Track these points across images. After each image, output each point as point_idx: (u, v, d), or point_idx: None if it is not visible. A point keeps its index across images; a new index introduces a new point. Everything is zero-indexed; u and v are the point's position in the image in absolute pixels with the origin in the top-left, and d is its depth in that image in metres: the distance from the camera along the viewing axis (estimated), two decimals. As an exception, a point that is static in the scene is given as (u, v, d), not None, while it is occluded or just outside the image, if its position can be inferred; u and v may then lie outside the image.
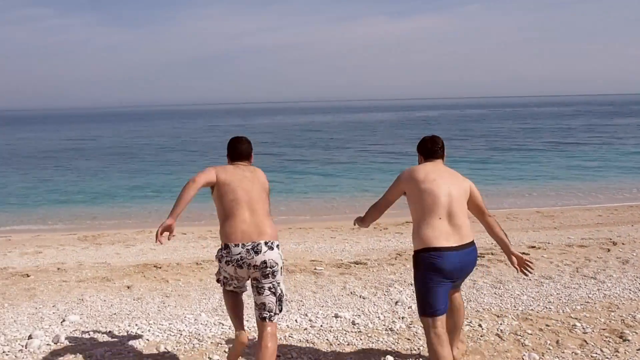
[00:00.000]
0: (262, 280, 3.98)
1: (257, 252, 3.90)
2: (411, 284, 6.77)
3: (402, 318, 5.83)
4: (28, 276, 7.85)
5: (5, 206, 17.81)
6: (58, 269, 8.40)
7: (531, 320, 5.65)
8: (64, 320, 5.90)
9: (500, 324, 5.53)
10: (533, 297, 6.44)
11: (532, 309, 6.03)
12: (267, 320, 4.01)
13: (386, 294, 6.70)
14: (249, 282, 4.22)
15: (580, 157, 27.33)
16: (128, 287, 7.24)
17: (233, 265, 3.96)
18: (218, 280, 4.37)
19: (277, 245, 4.04)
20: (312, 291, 6.93)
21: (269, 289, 4.00)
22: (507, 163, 26.04)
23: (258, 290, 4.04)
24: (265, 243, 3.95)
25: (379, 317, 5.90)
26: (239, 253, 3.91)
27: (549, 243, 9.53)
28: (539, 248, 9.08)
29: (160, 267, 8.25)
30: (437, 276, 3.91)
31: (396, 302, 6.34)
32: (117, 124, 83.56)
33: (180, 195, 4.03)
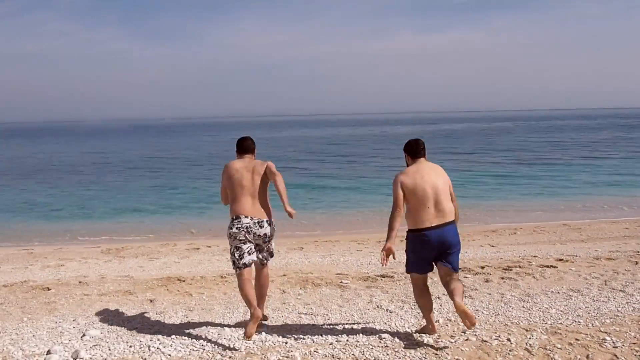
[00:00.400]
0: (263, 245, 5.68)
1: (261, 226, 5.52)
2: (439, 298, 6.53)
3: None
4: (49, 289, 7.74)
5: (30, 219, 17.91)
6: (80, 282, 8.28)
7: (560, 334, 5.42)
8: (84, 335, 5.73)
9: (529, 338, 5.31)
10: (562, 311, 6.21)
11: (561, 323, 5.80)
12: (264, 264, 5.82)
13: (413, 307, 6.46)
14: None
15: (605, 171, 26.97)
16: (151, 301, 7.08)
17: (243, 230, 5.47)
18: (234, 263, 5.59)
19: (271, 223, 5.66)
20: (338, 305, 6.72)
21: (267, 249, 5.75)
22: (532, 176, 25.63)
23: (260, 250, 5.70)
24: (266, 221, 5.58)
25: (406, 331, 5.70)
26: (248, 223, 5.47)
27: (576, 256, 9.24)
28: (567, 261, 8.80)
29: (184, 281, 8.09)
30: (422, 248, 5.26)
31: (424, 316, 6.09)
32: (146, 136, 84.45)
33: None
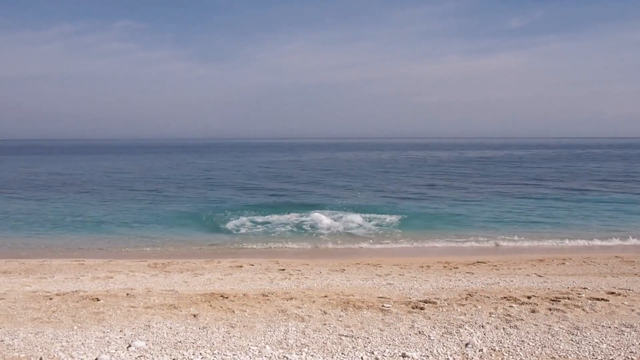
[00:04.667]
0: None
1: None
2: (482, 326, 6.40)
3: (473, 361, 5.49)
4: (98, 300, 7.97)
5: (81, 231, 18.49)
6: (127, 294, 8.50)
7: (611, 370, 5.22)
8: (130, 346, 5.88)
9: (579, 373, 5.13)
10: (613, 346, 5.98)
11: (612, 359, 5.59)
12: None
13: (456, 335, 6.36)
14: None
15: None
16: (194, 316, 7.20)
17: None
18: None
19: None
20: (379, 328, 6.67)
21: None
22: (580, 207, 24.91)
23: None
24: None
25: (448, 358, 5.61)
26: None
27: (629, 290, 8.90)
28: (619, 294, 8.48)
29: (226, 297, 8.19)
30: None
31: (466, 344, 5.99)
32: (194, 154, 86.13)
33: None
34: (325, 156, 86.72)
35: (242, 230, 18.58)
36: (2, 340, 6.08)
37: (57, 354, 5.59)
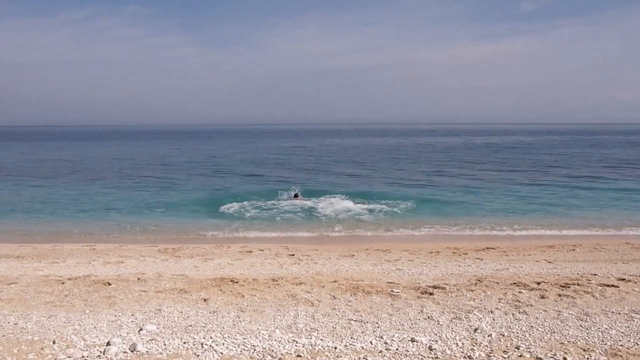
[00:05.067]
0: None
1: None
2: (491, 312, 6.41)
3: (482, 346, 5.50)
4: (109, 284, 8.05)
5: (91, 217, 18.62)
6: (138, 278, 8.57)
7: (621, 356, 5.24)
8: (141, 329, 5.94)
9: (587, 359, 5.16)
10: (622, 332, 5.97)
11: (621, 345, 5.58)
12: None
13: (465, 320, 6.38)
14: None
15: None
16: (204, 300, 7.25)
17: None
18: None
19: None
20: (388, 313, 6.69)
21: None
22: (591, 194, 24.77)
23: None
24: None
25: (457, 343, 5.60)
26: None
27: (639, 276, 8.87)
28: (629, 281, 8.46)
29: (236, 282, 8.25)
30: None
31: (475, 330, 6.01)
32: (204, 140, 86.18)
33: None
34: (333, 142, 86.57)
35: (248, 216, 18.64)
36: (15, 324, 6.16)
37: (70, 337, 5.66)
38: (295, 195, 22.36)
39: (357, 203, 20.75)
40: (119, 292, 7.62)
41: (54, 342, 5.49)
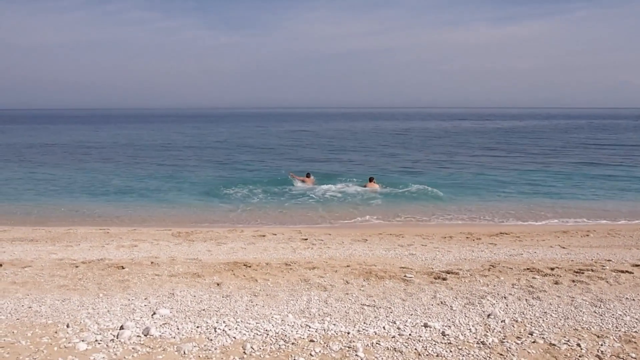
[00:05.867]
0: None
1: None
2: (505, 297, 6.37)
3: (495, 332, 5.48)
4: (123, 268, 8.09)
5: (104, 200, 18.73)
6: (152, 262, 8.61)
7: (635, 342, 5.20)
8: (154, 313, 5.97)
9: (601, 345, 5.11)
10: (637, 319, 5.93)
11: (636, 331, 5.54)
12: None
13: (478, 305, 6.35)
14: None
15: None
16: (218, 284, 7.27)
17: None
18: None
19: None
20: (401, 299, 6.68)
21: None
22: (604, 178, 24.52)
23: None
24: None
25: (470, 329, 5.58)
26: None
27: (655, 262, 8.79)
28: (644, 267, 8.38)
29: (250, 266, 8.27)
30: None
31: (488, 315, 5.98)
32: (216, 124, 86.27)
33: None
34: (343, 127, 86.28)
35: (258, 200, 18.61)
36: (30, 307, 6.21)
37: (84, 321, 5.70)
38: (307, 175, 22.30)
39: (367, 187, 20.66)
40: (132, 275, 7.67)
41: (67, 326, 5.54)
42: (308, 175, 22.34)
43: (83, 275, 7.67)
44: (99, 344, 5.08)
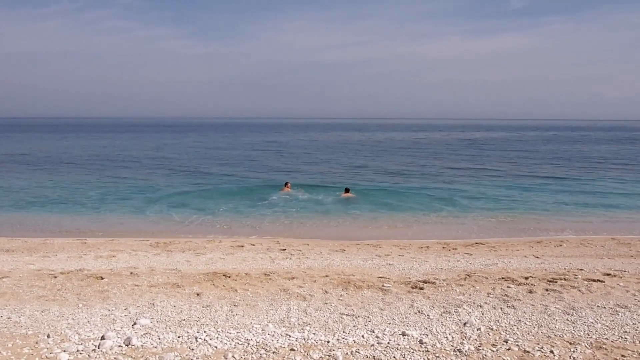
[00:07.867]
0: None
1: None
2: (480, 306, 6.52)
3: (471, 339, 5.61)
4: (102, 279, 8.08)
5: (80, 211, 18.54)
6: (131, 273, 8.60)
7: (605, 349, 5.36)
8: (135, 323, 5.99)
9: (573, 352, 5.26)
10: (607, 326, 6.11)
11: (606, 338, 5.71)
12: None
13: (455, 314, 6.49)
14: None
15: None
16: (197, 294, 7.31)
17: None
18: None
19: None
20: (379, 308, 6.79)
21: None
22: (577, 189, 25.00)
23: None
24: None
25: (446, 337, 5.71)
26: None
27: (625, 271, 9.04)
28: (615, 276, 8.62)
29: (229, 277, 8.31)
30: None
31: (465, 323, 6.12)
32: (192, 133, 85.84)
33: None
34: (316, 137, 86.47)
35: (238, 209, 18.59)
36: (9, 318, 6.19)
37: (64, 331, 5.71)
38: (286, 184, 22.39)
39: (341, 196, 20.79)
40: (111, 286, 7.66)
41: (48, 336, 5.53)
42: (286, 184, 22.45)
43: (62, 286, 7.64)
44: (80, 354, 5.09)
